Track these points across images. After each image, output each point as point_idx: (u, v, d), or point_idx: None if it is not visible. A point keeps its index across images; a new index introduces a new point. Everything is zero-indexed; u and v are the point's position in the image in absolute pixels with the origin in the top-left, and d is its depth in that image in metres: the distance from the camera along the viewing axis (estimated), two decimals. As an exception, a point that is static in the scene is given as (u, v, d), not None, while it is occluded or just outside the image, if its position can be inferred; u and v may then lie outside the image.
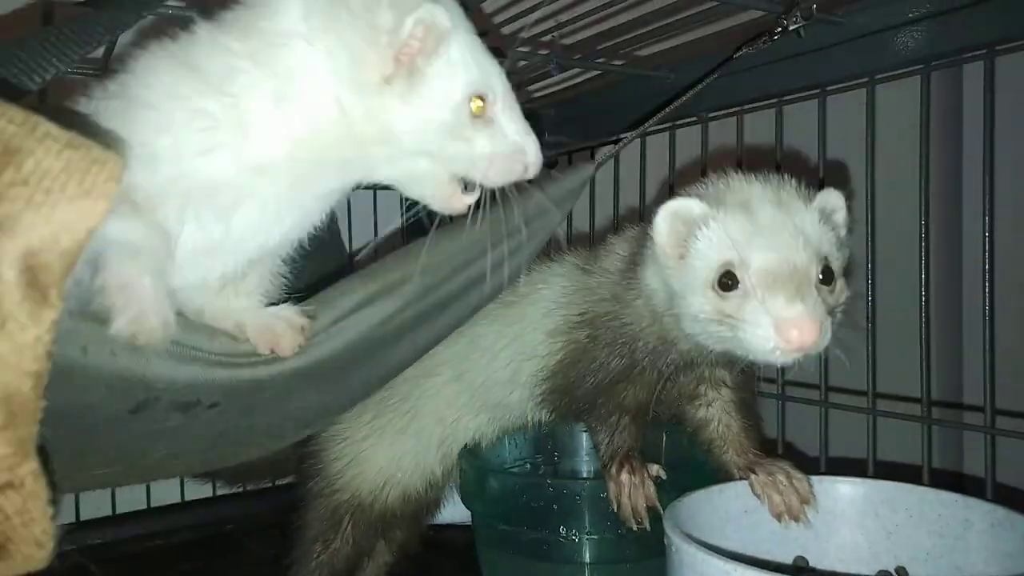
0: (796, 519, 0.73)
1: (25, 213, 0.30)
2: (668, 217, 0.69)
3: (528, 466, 1.03)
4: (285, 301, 0.63)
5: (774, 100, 0.94)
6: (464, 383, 0.90)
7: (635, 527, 0.77)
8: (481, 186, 0.58)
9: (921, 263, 0.82)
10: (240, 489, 1.25)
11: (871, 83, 0.84)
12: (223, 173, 0.51)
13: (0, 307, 0.30)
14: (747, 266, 0.64)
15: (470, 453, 0.94)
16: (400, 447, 0.92)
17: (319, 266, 0.73)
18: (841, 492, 0.76)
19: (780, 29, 0.75)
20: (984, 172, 0.76)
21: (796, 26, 0.76)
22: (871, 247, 0.86)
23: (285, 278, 0.65)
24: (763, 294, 0.63)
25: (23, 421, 0.33)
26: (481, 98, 0.55)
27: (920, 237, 0.83)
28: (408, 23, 0.51)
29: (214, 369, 0.57)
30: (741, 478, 0.77)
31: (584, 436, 1.03)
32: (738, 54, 0.77)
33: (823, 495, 0.76)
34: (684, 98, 0.81)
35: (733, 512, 0.76)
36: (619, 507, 0.78)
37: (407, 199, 0.61)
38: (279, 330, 0.58)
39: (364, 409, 0.90)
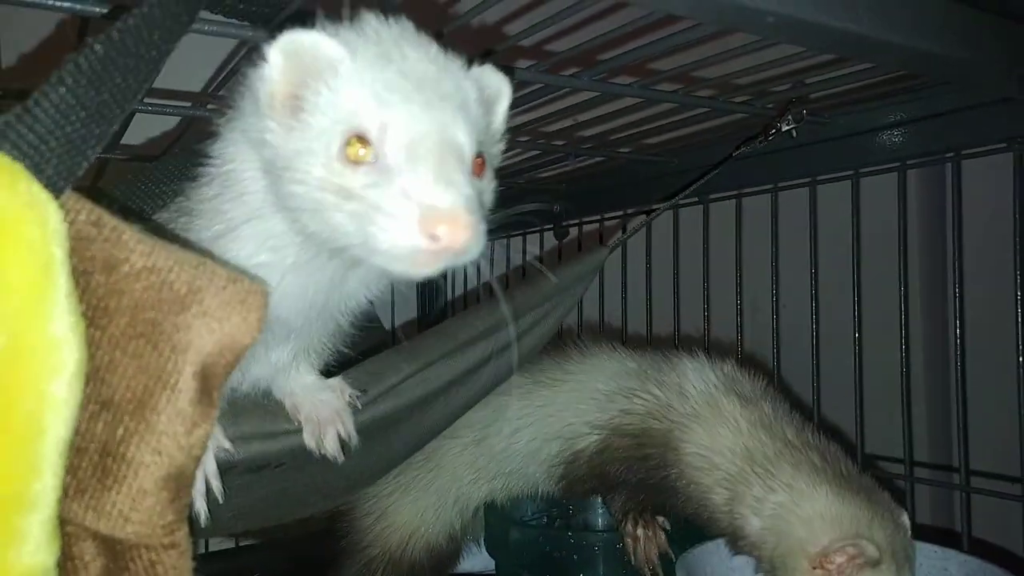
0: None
1: (204, 336, 0.39)
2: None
3: (546, 518, 1.10)
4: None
5: (770, 187, 1.04)
6: (483, 448, 0.96)
7: (648, 574, 0.85)
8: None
9: (902, 336, 0.91)
10: (259, 541, 1.31)
11: (856, 176, 0.94)
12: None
13: (182, 409, 0.39)
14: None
15: (494, 506, 1.02)
16: (423, 502, 0.98)
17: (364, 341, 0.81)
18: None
19: (774, 131, 0.85)
20: (953, 259, 0.86)
21: (788, 127, 0.86)
22: (858, 318, 0.95)
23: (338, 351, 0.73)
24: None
25: (185, 494, 0.41)
26: (362, 136, 0.45)
27: (900, 314, 0.92)
28: (271, 56, 0.47)
29: (286, 439, 0.65)
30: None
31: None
32: (737, 152, 0.87)
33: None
34: (699, 182, 0.90)
35: (738, 562, 0.84)
36: (635, 557, 0.86)
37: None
38: (325, 418, 0.64)
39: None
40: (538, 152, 1.09)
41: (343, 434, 0.64)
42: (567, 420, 0.93)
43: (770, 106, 0.87)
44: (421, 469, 0.98)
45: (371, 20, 0.50)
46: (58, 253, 0.34)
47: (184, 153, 0.65)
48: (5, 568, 0.34)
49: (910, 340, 0.93)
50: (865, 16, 0.52)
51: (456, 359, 0.74)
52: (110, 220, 0.37)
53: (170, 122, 0.91)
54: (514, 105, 0.76)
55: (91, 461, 0.39)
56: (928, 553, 0.79)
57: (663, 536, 0.86)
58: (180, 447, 0.39)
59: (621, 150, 1.11)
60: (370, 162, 0.45)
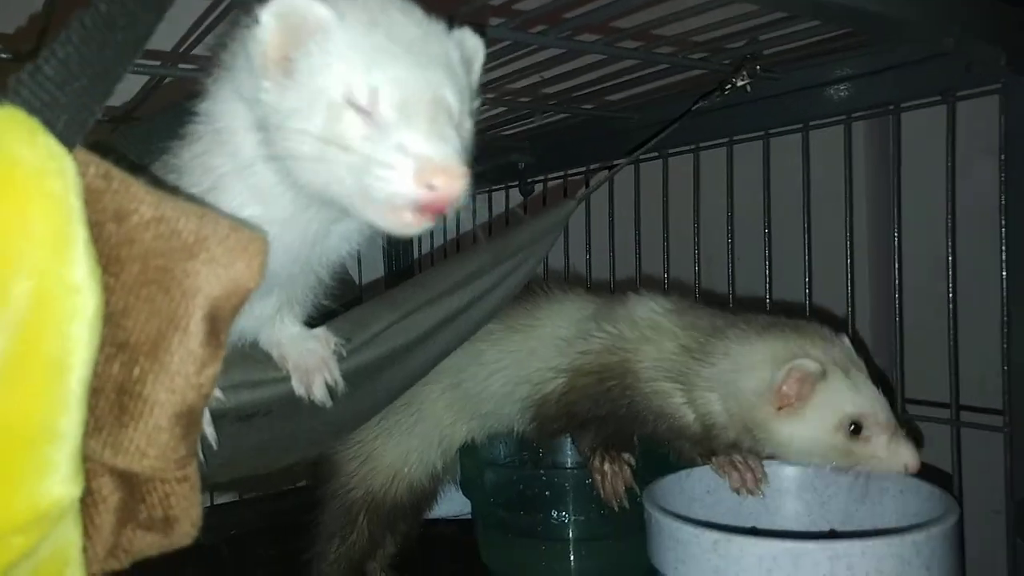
0: (751, 492, 0.86)
1: (211, 281, 0.42)
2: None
3: (518, 461, 1.16)
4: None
5: (725, 140, 1.09)
6: (461, 391, 1.01)
7: (616, 507, 0.91)
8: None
9: (848, 287, 0.98)
10: (235, 498, 1.35)
11: (805, 129, 1.00)
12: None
13: (193, 349, 0.42)
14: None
15: (470, 450, 1.07)
16: (406, 445, 1.03)
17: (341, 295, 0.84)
18: (786, 473, 0.91)
19: (730, 86, 0.89)
20: (893, 206, 0.92)
21: (743, 82, 0.90)
22: (808, 270, 1.01)
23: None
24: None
25: (195, 430, 0.45)
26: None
27: (846, 259, 0.98)
28: (264, 19, 0.49)
29: (274, 386, 0.68)
30: (704, 463, 0.90)
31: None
32: (695, 106, 0.92)
33: (773, 476, 0.91)
34: (659, 137, 0.95)
35: (698, 493, 0.90)
36: (603, 491, 0.92)
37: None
38: (312, 366, 0.67)
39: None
40: (504, 109, 1.12)
41: (330, 380, 0.67)
42: (535, 365, 0.98)
43: (726, 62, 0.91)
44: (403, 414, 1.02)
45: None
46: (77, 204, 0.37)
47: (169, 112, 0.67)
48: (37, 497, 0.37)
49: (855, 284, 0.99)
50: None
51: (435, 308, 0.78)
52: (118, 173, 0.40)
53: (138, 81, 0.91)
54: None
55: (108, 400, 0.42)
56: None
57: (628, 471, 0.91)
58: (191, 385, 0.43)
59: (584, 106, 1.14)
60: (362, 121, 0.48)
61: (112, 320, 0.41)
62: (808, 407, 0.78)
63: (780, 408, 0.79)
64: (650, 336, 0.91)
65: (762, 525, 0.90)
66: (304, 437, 0.79)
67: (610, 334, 0.94)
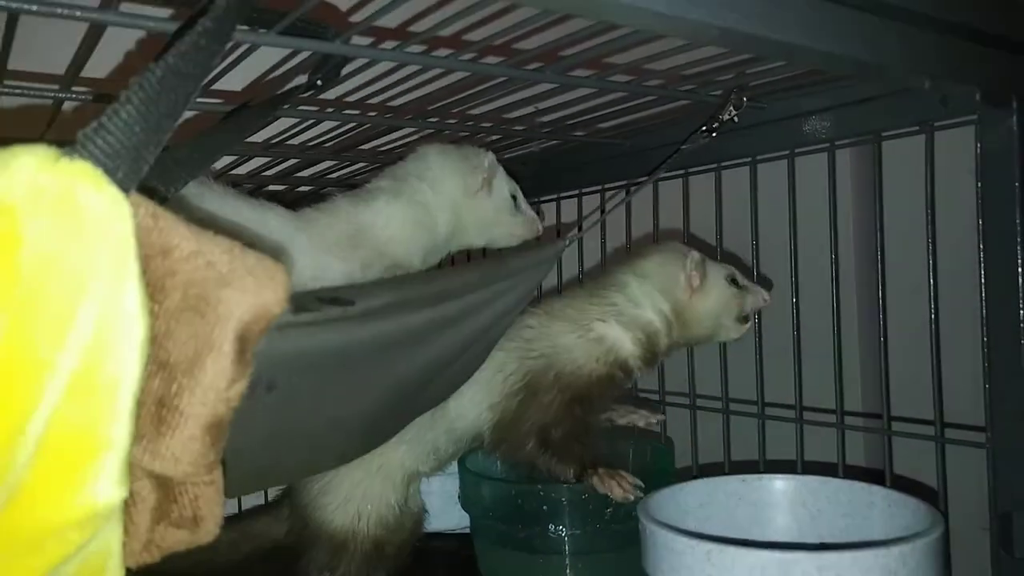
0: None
1: (242, 307, 0.46)
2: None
3: (515, 476, 1.19)
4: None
5: (714, 166, 1.13)
6: (418, 425, 1.00)
7: (632, 499, 0.94)
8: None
9: (833, 299, 1.02)
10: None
11: (791, 156, 1.04)
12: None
13: (225, 367, 0.46)
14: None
15: (468, 465, 1.11)
16: (353, 477, 1.04)
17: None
18: (776, 486, 0.95)
19: (717, 123, 0.94)
20: (877, 231, 0.96)
21: (731, 115, 0.95)
22: (795, 285, 1.06)
23: None
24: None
25: (222, 439, 0.49)
26: (513, 196, 1.04)
27: (832, 282, 1.03)
28: (485, 162, 1.01)
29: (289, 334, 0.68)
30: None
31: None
32: (685, 145, 0.97)
33: (763, 489, 0.96)
34: (652, 176, 1.05)
35: (691, 506, 0.94)
36: (612, 493, 0.94)
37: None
38: None
39: None
40: (499, 136, 1.17)
41: None
42: (477, 396, 1.04)
43: (715, 93, 0.96)
44: None
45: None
46: (133, 242, 0.41)
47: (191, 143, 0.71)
48: (93, 497, 0.41)
49: (842, 306, 1.03)
50: (793, 27, 0.61)
51: (428, 309, 0.82)
52: (164, 213, 0.45)
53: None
54: (481, 95, 0.87)
55: (149, 412, 0.46)
56: (856, 489, 0.90)
57: (625, 473, 0.95)
58: (222, 399, 0.47)
59: (576, 134, 1.19)
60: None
61: (155, 342, 0.45)
62: (707, 280, 1.04)
63: (692, 292, 1.03)
64: (558, 330, 1.03)
65: (753, 538, 0.94)
66: (308, 436, 0.81)
67: (527, 346, 1.02)
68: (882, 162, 0.96)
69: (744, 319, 1.07)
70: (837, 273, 1.02)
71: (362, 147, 1.15)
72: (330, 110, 0.99)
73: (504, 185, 1.03)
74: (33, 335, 0.38)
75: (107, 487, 0.42)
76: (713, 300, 1.04)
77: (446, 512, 1.24)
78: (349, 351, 0.75)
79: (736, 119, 0.96)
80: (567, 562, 1.04)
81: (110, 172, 0.41)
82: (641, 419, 1.11)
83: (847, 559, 0.69)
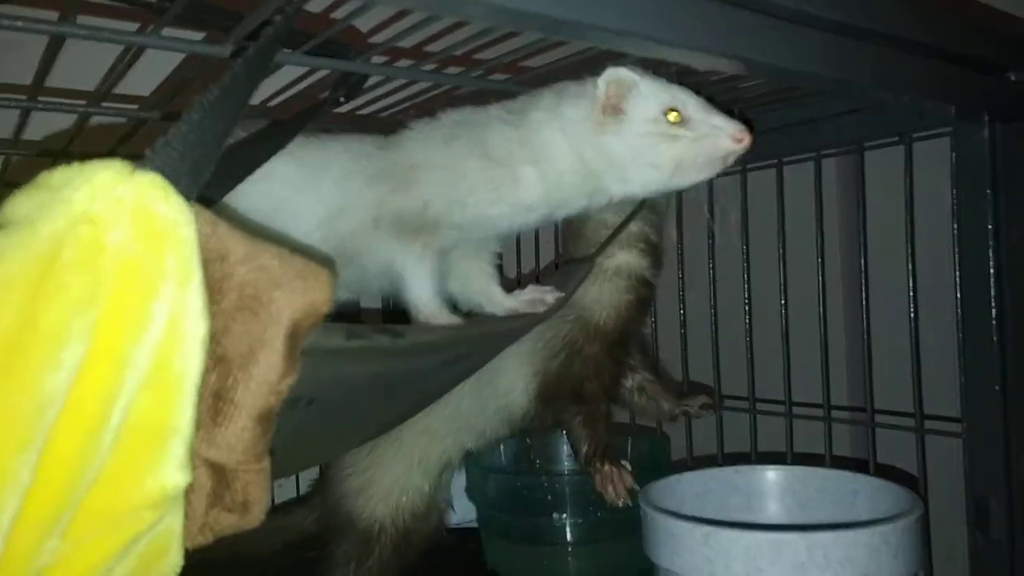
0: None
1: (293, 306, 0.51)
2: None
3: (518, 468, 1.25)
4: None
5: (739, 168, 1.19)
6: (432, 414, 1.03)
7: (620, 505, 0.98)
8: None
9: (820, 301, 1.08)
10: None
11: (779, 164, 1.10)
12: (502, 211, 0.80)
13: (276, 363, 0.51)
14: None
15: (475, 458, 1.15)
16: (395, 474, 1.07)
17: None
18: (768, 476, 1.00)
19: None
20: (861, 237, 1.03)
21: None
22: (783, 287, 1.12)
23: None
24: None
25: (271, 429, 0.54)
26: (674, 110, 0.77)
27: (819, 285, 1.08)
28: (600, 84, 0.76)
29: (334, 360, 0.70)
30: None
31: (559, 444, 1.27)
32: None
33: (755, 480, 1.01)
34: None
35: (688, 496, 0.99)
36: (606, 493, 1.00)
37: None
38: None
39: (363, 447, 1.06)
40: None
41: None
42: (501, 379, 1.07)
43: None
44: (387, 441, 1.07)
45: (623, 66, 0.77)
46: (196, 248, 0.46)
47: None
48: (164, 481, 0.46)
49: (829, 307, 1.09)
50: (787, 53, 0.67)
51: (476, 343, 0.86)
52: (220, 221, 0.49)
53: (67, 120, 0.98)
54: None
55: (207, 404, 0.51)
56: (842, 479, 0.96)
57: (628, 473, 1.00)
58: (274, 392, 0.52)
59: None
60: (682, 122, 0.77)
61: (214, 339, 0.50)
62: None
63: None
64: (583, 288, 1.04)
65: (746, 524, 1.00)
66: (333, 435, 0.85)
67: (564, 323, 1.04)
68: (864, 170, 1.02)
69: None
70: (824, 276, 1.08)
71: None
72: (346, 125, 1.04)
73: (649, 99, 0.77)
74: (116, 333, 0.43)
75: (175, 472, 0.47)
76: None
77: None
78: (387, 375, 0.78)
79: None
80: (570, 551, 1.09)
81: (175, 184, 0.46)
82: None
83: (832, 538, 0.75)
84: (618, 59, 0.79)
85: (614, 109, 0.76)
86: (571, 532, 1.09)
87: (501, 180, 0.78)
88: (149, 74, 0.85)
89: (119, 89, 0.81)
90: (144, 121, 0.90)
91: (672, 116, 0.77)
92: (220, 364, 0.51)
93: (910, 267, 0.97)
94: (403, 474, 1.08)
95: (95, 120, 0.93)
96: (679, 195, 1.24)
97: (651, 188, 0.81)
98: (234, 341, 0.51)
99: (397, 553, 1.07)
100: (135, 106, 0.90)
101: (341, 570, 1.06)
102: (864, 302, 1.02)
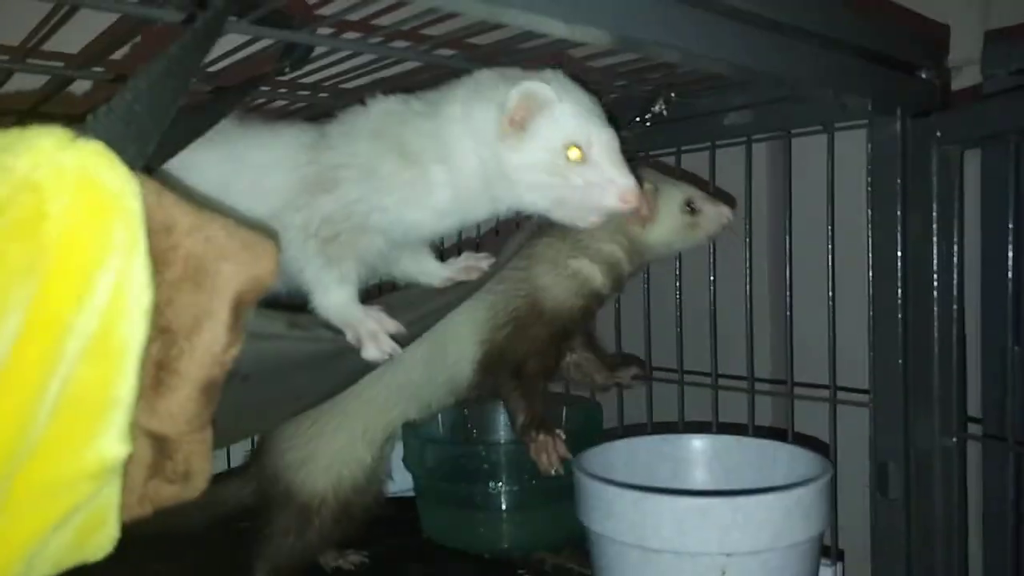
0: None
1: (238, 277, 0.51)
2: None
3: (454, 438, 1.27)
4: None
5: (642, 154, 1.22)
6: (381, 385, 1.06)
7: (553, 474, 1.00)
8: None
9: (747, 277, 1.13)
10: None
11: (712, 147, 1.14)
12: (419, 217, 0.78)
13: (220, 334, 0.52)
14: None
15: (412, 428, 1.17)
16: (337, 445, 1.07)
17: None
18: (694, 445, 1.06)
19: (650, 114, 1.03)
20: (784, 218, 1.07)
21: (660, 108, 1.04)
22: (713, 265, 1.16)
23: None
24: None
25: (215, 399, 0.54)
26: (577, 146, 0.73)
27: (746, 265, 1.13)
28: (512, 95, 0.73)
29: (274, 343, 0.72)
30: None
31: (494, 414, 1.30)
32: (623, 132, 1.05)
33: (682, 448, 1.06)
34: None
35: (618, 463, 1.03)
36: (539, 461, 1.03)
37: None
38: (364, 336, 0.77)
39: (304, 419, 1.06)
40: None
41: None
42: (451, 349, 1.08)
43: (646, 88, 1.04)
44: (330, 415, 1.07)
45: (554, 74, 0.76)
46: (143, 218, 0.46)
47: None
48: (103, 452, 0.46)
49: (755, 286, 1.14)
50: (719, 45, 0.70)
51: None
52: (166, 192, 0.49)
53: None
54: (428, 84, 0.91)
55: (148, 375, 0.51)
56: (762, 446, 1.02)
57: (561, 442, 1.03)
58: (217, 363, 0.52)
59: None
60: (580, 161, 0.73)
61: (157, 309, 0.50)
62: (658, 211, 1.03)
63: (644, 224, 1.03)
64: (542, 270, 1.08)
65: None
66: (265, 409, 0.86)
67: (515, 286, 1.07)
68: (791, 155, 1.07)
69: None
70: (751, 257, 1.13)
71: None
72: (283, 90, 1.03)
73: (557, 127, 0.74)
74: (57, 302, 0.43)
75: (115, 442, 0.47)
76: (666, 230, 1.06)
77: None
78: (320, 356, 0.79)
79: (665, 112, 1.04)
80: (504, 517, 1.13)
81: (120, 152, 0.46)
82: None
83: (753, 502, 0.80)
84: (563, 48, 0.81)
85: (518, 124, 0.73)
86: (506, 499, 1.12)
87: (415, 181, 0.76)
88: (75, 31, 0.82)
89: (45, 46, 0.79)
90: (69, 81, 0.87)
91: (571, 153, 0.74)
92: (164, 334, 0.51)
93: (830, 248, 1.02)
94: (346, 446, 1.08)
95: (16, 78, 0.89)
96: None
97: (537, 211, 0.78)
98: (178, 312, 0.51)
99: (337, 524, 1.08)
100: (60, 64, 0.87)
101: (279, 541, 1.06)
102: (788, 281, 1.07)
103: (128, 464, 0.53)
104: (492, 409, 1.28)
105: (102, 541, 0.51)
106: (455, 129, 0.76)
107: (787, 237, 1.08)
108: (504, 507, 1.12)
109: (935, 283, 0.90)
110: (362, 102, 0.81)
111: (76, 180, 0.43)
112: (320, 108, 1.12)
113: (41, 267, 0.42)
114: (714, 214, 1.05)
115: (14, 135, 0.43)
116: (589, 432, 1.17)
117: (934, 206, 0.89)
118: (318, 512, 1.06)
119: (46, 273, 0.42)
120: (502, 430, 1.29)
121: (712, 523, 0.80)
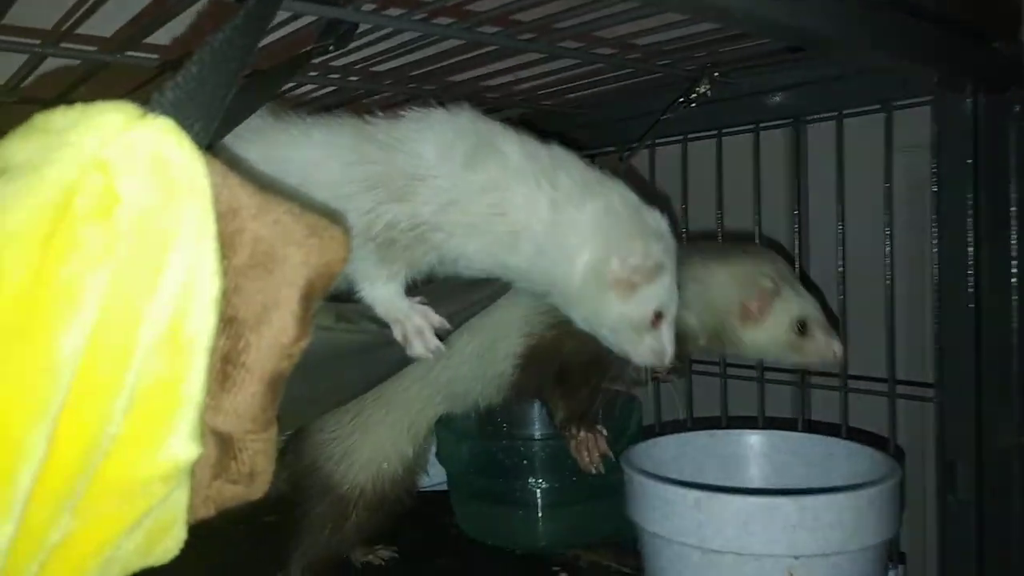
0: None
1: (308, 264, 0.48)
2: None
3: (489, 433, 1.23)
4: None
5: (680, 138, 1.18)
6: (430, 380, 1.04)
7: (593, 472, 0.98)
8: None
9: (797, 263, 1.09)
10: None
11: (756, 129, 1.10)
12: (487, 267, 0.79)
13: (289, 325, 0.48)
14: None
15: (446, 423, 1.13)
16: (379, 437, 1.05)
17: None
18: (744, 440, 1.02)
19: (695, 94, 0.99)
20: (837, 201, 1.04)
21: (705, 88, 1.00)
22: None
23: None
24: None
25: (280, 393, 0.51)
26: (659, 315, 0.78)
27: (796, 252, 1.09)
28: (639, 258, 0.75)
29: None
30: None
31: (526, 409, 1.25)
32: (665, 116, 1.01)
33: (731, 443, 1.02)
34: (641, 143, 1.07)
35: (665, 459, 0.99)
36: (580, 458, 1.00)
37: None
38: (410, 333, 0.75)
39: (346, 411, 1.04)
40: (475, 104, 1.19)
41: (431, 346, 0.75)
42: (501, 345, 1.03)
43: (689, 68, 1.00)
44: (374, 407, 1.05)
45: (667, 240, 0.78)
46: (211, 200, 0.42)
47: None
48: (176, 452, 0.42)
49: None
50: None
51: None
52: (231, 173, 0.46)
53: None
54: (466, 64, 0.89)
55: (214, 368, 0.48)
56: (816, 442, 0.98)
57: (604, 441, 1.00)
58: (286, 355, 0.49)
59: (544, 103, 1.22)
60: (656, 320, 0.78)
61: (224, 298, 0.46)
62: (768, 316, 0.95)
63: (747, 321, 0.95)
64: None
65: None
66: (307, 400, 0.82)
67: None
68: (843, 138, 1.03)
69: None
70: (801, 243, 1.09)
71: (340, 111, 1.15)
72: (313, 73, 0.99)
73: (656, 296, 0.78)
74: (130, 290, 0.39)
75: (187, 442, 0.43)
76: (765, 339, 0.97)
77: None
78: (365, 349, 0.76)
79: (709, 93, 1.01)
80: (541, 514, 1.09)
81: (188, 130, 0.42)
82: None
83: (823, 501, 0.76)
84: (611, 24, 0.77)
85: (632, 286, 0.76)
86: (543, 496, 1.08)
87: (503, 242, 0.75)
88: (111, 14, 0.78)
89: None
90: (105, 65, 0.83)
91: (655, 317, 0.79)
92: (230, 326, 0.47)
93: (888, 233, 0.98)
94: (390, 439, 1.05)
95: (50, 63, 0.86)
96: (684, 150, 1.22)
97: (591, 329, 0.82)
98: (245, 301, 0.47)
99: (371, 517, 1.06)
100: (94, 48, 0.83)
101: (315, 534, 1.04)
102: (841, 268, 1.04)
103: (195, 464, 0.50)
104: (524, 404, 1.23)
105: (170, 544, 0.47)
106: (573, 241, 0.75)
107: (839, 224, 1.04)
108: (541, 503, 1.09)
109: (1013, 271, 0.86)
110: (438, 101, 0.78)
111: (148, 159, 0.40)
112: (348, 93, 1.08)
113: (115, 253, 0.38)
114: (822, 346, 0.96)
115: (79, 111, 0.40)
116: (627, 428, 1.13)
117: (1012, 188, 0.85)
118: (355, 504, 1.04)
119: (120, 259, 0.38)
120: (534, 425, 1.25)
121: (779, 523, 0.76)
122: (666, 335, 0.80)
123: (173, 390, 0.42)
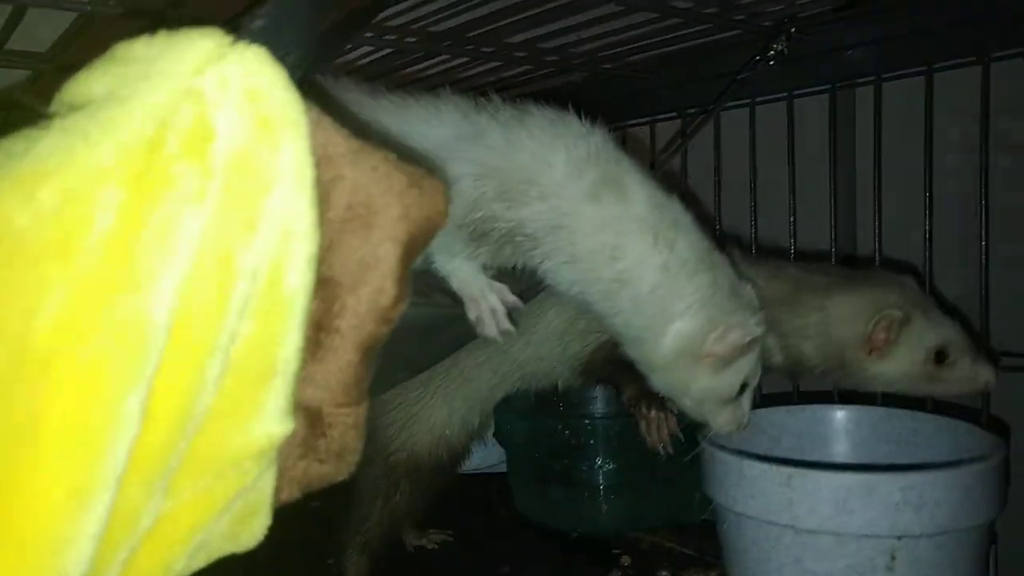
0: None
1: (408, 217, 0.43)
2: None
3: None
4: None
5: (747, 102, 1.12)
6: (508, 356, 1.01)
7: (662, 453, 0.94)
8: None
9: (876, 233, 1.03)
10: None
11: (832, 90, 1.04)
12: (569, 292, 0.75)
13: (388, 285, 0.43)
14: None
15: (505, 402, 1.09)
16: (449, 407, 1.03)
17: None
18: (820, 416, 0.97)
19: (773, 51, 0.93)
20: (927, 161, 0.98)
21: (782, 46, 0.94)
22: (834, 224, 1.06)
23: None
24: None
25: (374, 361, 0.46)
26: (744, 386, 0.79)
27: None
28: (731, 339, 0.74)
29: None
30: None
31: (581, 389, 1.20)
32: (741, 75, 0.95)
33: (806, 420, 0.97)
34: (724, 92, 0.99)
35: (738, 437, 0.94)
36: (649, 437, 0.95)
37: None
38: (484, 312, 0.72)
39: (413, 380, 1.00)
40: (530, 68, 1.14)
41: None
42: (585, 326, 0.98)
43: (766, 24, 0.94)
44: (446, 378, 1.02)
45: (760, 314, 0.77)
46: (308, 141, 0.37)
47: None
48: (269, 427, 0.38)
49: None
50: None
51: None
52: (325, 117, 0.41)
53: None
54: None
55: (305, 335, 0.43)
56: (900, 417, 0.93)
57: (674, 420, 0.95)
58: (384, 319, 0.44)
59: (605, 67, 1.16)
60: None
61: (319, 255, 0.42)
62: (897, 348, 0.87)
63: (871, 352, 0.87)
64: None
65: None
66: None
67: None
68: (932, 95, 0.96)
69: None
70: (880, 208, 1.03)
71: (396, 74, 1.10)
72: (369, 34, 0.94)
73: (746, 371, 0.78)
74: (225, 239, 0.34)
75: (281, 416, 0.39)
76: (895, 372, 0.89)
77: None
78: (436, 323, 0.74)
79: (786, 51, 0.95)
80: (604, 496, 1.05)
81: (282, 61, 0.37)
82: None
83: (929, 478, 0.71)
84: None
85: (723, 361, 0.76)
86: (607, 477, 1.04)
87: (602, 279, 0.73)
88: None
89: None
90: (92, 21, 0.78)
91: (739, 388, 0.79)
92: (324, 287, 0.42)
93: (983, 194, 0.92)
94: (460, 411, 1.03)
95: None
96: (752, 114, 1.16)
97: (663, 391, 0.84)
98: (341, 259, 0.42)
99: (420, 491, 1.03)
100: None
101: (368, 506, 1.01)
102: (927, 235, 0.98)
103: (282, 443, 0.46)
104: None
105: (256, 529, 0.43)
106: (676, 308, 0.73)
107: (927, 191, 0.98)
108: (604, 485, 1.04)
109: None
110: (574, 109, 0.73)
111: (242, 91, 0.35)
112: (405, 56, 1.04)
113: (210, 194, 0.33)
114: (969, 375, 0.87)
115: (165, 38, 0.35)
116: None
117: None
118: (407, 475, 1.02)
119: (214, 203, 0.34)
120: (595, 403, 1.21)
121: (880, 502, 0.71)
122: (746, 404, 0.81)
123: (268, 356, 0.38)
